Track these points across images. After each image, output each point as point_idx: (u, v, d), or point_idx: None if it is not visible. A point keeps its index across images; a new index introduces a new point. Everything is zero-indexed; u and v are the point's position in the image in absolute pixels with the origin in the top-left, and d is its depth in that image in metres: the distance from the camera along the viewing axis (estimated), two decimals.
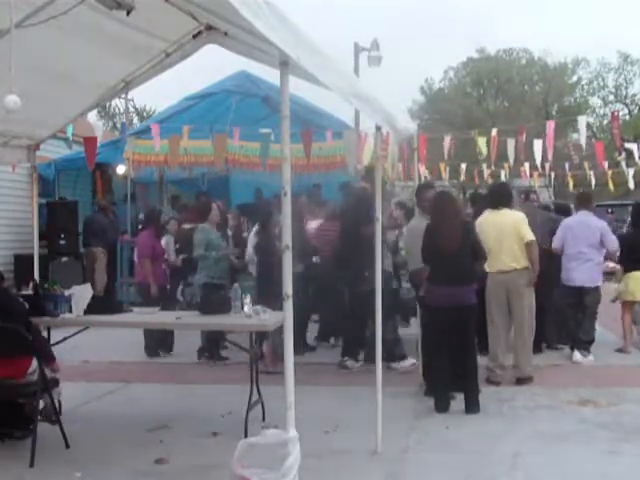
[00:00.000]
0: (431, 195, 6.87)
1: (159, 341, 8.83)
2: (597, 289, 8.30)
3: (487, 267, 6.94)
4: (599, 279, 8.37)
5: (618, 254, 8.66)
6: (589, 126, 34.29)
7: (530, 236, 7.04)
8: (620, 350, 8.60)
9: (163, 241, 9.29)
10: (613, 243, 8.30)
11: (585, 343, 8.20)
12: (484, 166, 14.85)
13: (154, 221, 9.22)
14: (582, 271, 8.17)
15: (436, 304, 6.19)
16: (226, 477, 3.60)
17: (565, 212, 9.39)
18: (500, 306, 7.08)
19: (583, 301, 8.26)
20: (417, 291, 6.97)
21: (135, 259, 9.63)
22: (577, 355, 8.11)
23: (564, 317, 8.49)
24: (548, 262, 7.90)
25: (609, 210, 19.97)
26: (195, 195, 12.00)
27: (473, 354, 6.31)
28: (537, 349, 7.95)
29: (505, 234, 7.03)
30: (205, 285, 7.93)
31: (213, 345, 8.32)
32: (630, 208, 10.89)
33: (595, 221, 8.35)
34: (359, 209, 7.57)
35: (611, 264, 9.19)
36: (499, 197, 7.34)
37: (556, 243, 8.31)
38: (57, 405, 5.41)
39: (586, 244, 8.16)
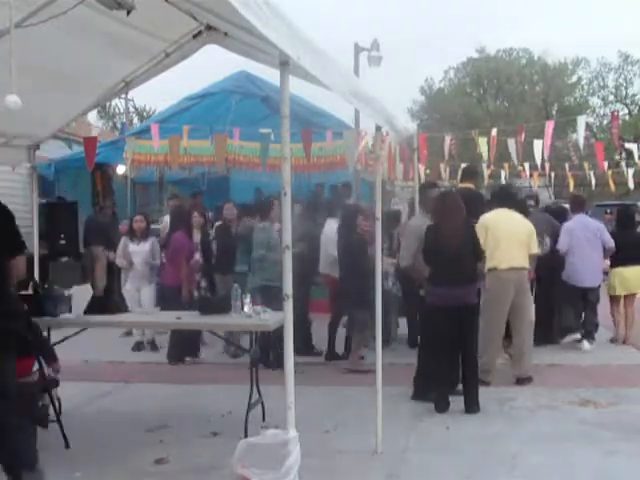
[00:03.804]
0: (435, 194, 6.86)
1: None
2: (599, 286, 8.96)
3: (495, 264, 6.92)
4: (601, 278, 8.98)
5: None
6: (589, 126, 34.33)
7: (537, 249, 7.32)
8: (613, 340, 9.20)
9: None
10: (610, 241, 8.79)
11: (591, 333, 8.84)
12: (484, 166, 14.86)
13: (186, 220, 8.78)
14: (589, 273, 8.68)
15: (438, 304, 6.16)
16: (226, 477, 3.60)
17: (561, 215, 9.51)
18: (505, 305, 7.04)
19: (587, 298, 8.81)
20: (407, 289, 6.96)
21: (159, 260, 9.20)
22: (586, 344, 8.66)
23: (563, 312, 8.96)
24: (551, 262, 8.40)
25: (607, 211, 20.01)
26: (192, 194, 11.98)
27: (474, 354, 6.31)
28: (547, 341, 8.74)
29: (519, 236, 7.10)
30: (262, 288, 7.55)
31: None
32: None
33: (592, 222, 8.97)
34: (468, 209, 7.51)
35: (607, 261, 9.43)
36: (507, 197, 7.49)
37: (562, 246, 8.66)
38: (57, 405, 5.42)
39: (589, 246, 8.64)
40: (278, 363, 7.62)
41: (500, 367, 7.35)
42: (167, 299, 8.21)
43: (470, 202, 7.58)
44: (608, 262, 9.30)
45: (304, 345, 8.34)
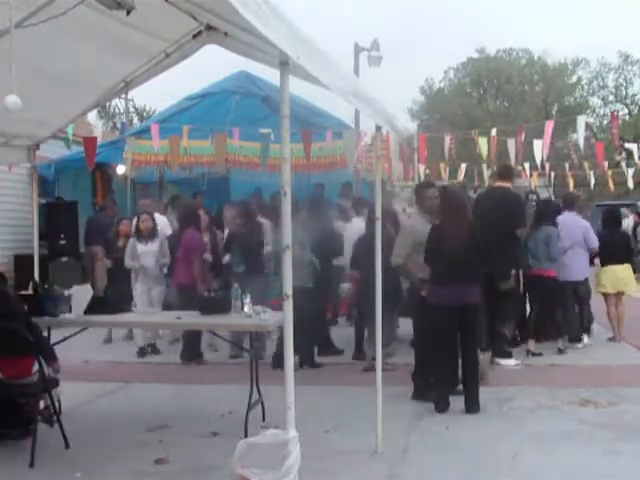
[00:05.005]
0: (431, 194, 6.84)
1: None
2: (587, 280, 9.21)
3: None
4: (587, 272, 9.20)
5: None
6: (589, 126, 34.33)
7: None
8: (612, 339, 9.34)
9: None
10: (594, 241, 9.01)
11: (589, 327, 9.27)
12: (484, 166, 14.86)
13: (195, 218, 8.71)
14: (576, 266, 8.89)
15: (441, 303, 6.13)
16: (226, 477, 3.60)
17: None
18: None
19: (578, 292, 9.06)
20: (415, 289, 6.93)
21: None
22: (586, 338, 9.00)
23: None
24: None
25: None
26: (193, 194, 11.98)
27: (475, 354, 6.30)
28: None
29: None
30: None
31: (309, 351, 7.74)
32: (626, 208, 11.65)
33: (579, 221, 9.15)
34: (510, 209, 7.50)
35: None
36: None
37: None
38: (57, 405, 5.42)
39: (571, 242, 8.86)
40: (301, 362, 7.74)
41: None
42: (184, 298, 7.85)
43: (510, 203, 7.55)
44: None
45: (324, 345, 8.37)
